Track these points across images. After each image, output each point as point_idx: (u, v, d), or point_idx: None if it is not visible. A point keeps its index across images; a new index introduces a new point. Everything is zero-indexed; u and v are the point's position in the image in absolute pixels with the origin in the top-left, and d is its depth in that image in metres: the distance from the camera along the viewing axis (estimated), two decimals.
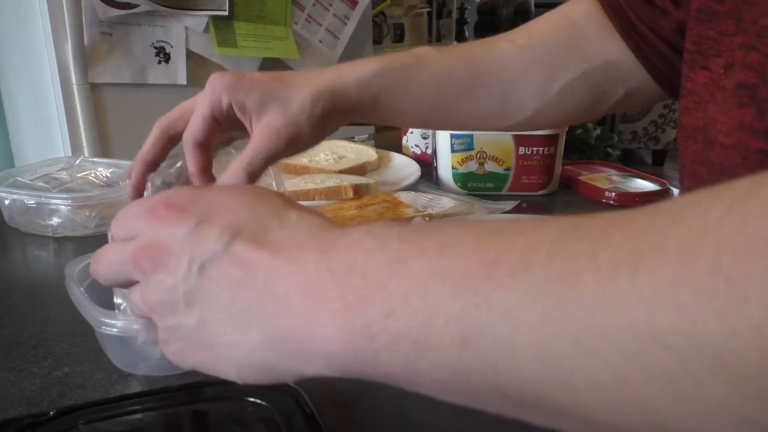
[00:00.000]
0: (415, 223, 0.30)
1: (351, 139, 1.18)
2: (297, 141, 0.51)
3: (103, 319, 0.47)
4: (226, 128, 0.52)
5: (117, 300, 0.51)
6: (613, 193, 0.94)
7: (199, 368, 0.33)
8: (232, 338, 0.30)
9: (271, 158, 0.50)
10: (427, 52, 0.59)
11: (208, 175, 0.52)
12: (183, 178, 0.54)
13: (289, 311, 0.28)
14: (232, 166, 0.49)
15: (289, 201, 0.34)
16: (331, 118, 0.53)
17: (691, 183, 0.43)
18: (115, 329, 0.47)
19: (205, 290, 0.30)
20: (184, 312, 0.31)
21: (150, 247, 0.32)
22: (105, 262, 0.35)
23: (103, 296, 0.51)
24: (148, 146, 0.54)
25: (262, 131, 0.50)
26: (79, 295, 0.50)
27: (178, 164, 0.55)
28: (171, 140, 0.54)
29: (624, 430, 0.22)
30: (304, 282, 0.28)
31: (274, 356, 0.29)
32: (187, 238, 0.31)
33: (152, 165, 0.54)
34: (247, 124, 0.52)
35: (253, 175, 0.49)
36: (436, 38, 2.89)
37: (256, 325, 0.29)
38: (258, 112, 0.51)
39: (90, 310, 0.48)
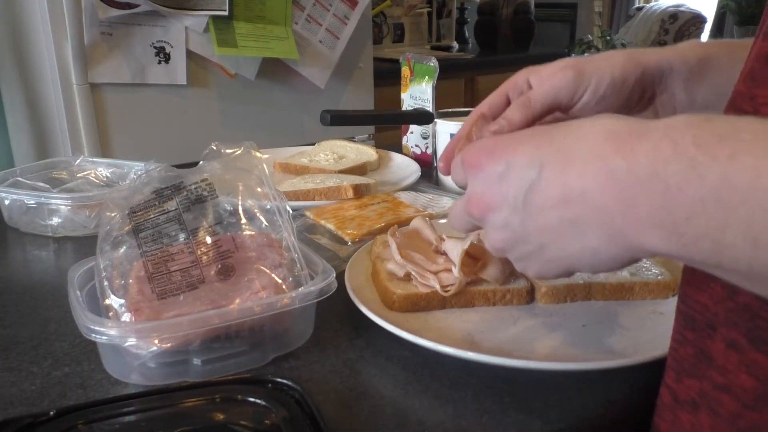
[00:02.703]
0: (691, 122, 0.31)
1: (351, 139, 1.18)
2: (587, 77, 0.47)
3: (92, 327, 0.46)
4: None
5: (108, 302, 0.50)
6: None
7: (564, 275, 0.40)
8: (573, 249, 0.36)
9: (554, 89, 0.47)
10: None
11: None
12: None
13: (611, 217, 0.33)
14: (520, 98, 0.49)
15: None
16: (638, 69, 0.47)
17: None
18: (104, 337, 0.47)
19: (534, 218, 0.36)
20: (524, 243, 0.38)
21: (474, 198, 0.40)
22: (454, 217, 0.44)
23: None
24: (467, 125, 0.51)
25: (554, 69, 0.49)
26: (74, 300, 0.50)
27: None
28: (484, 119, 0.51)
29: None
30: (615, 190, 0.32)
31: (615, 252, 0.35)
32: (503, 179, 0.37)
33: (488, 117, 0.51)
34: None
35: (533, 107, 0.47)
36: (436, 38, 2.89)
37: (589, 233, 0.35)
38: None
39: (81, 317, 0.47)
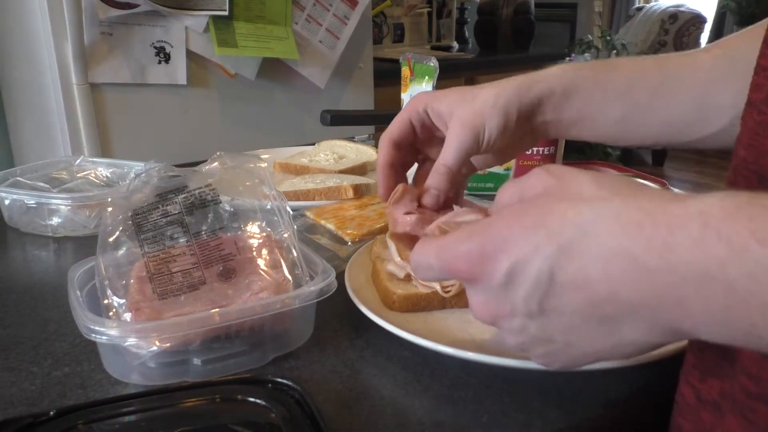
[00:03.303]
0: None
1: (351, 139, 1.18)
2: (482, 132, 0.52)
3: (92, 327, 0.46)
4: (421, 140, 0.57)
5: (108, 301, 0.50)
6: None
7: (591, 364, 0.37)
8: (606, 344, 0.34)
9: (462, 151, 0.52)
10: (619, 58, 0.58)
11: (391, 169, 0.56)
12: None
13: (652, 314, 0.31)
14: (435, 165, 0.53)
15: (564, 194, 0.34)
16: (515, 110, 0.53)
17: (748, 153, 0.40)
18: (104, 337, 0.46)
19: (554, 321, 0.34)
20: (547, 343, 0.35)
21: (478, 306, 0.37)
22: (421, 268, 0.39)
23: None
24: (381, 154, 0.57)
25: (451, 128, 0.53)
26: (74, 300, 0.50)
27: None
28: (396, 146, 0.57)
29: None
30: (654, 288, 0.30)
31: (658, 340, 0.33)
32: (507, 288, 0.34)
33: (393, 166, 0.56)
34: (443, 130, 0.55)
35: (452, 170, 0.52)
36: (436, 38, 2.89)
37: (625, 329, 0.32)
38: (449, 114, 0.54)
39: (81, 317, 0.47)
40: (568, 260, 0.31)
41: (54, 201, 0.80)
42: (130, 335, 0.48)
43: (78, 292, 0.52)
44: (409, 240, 0.63)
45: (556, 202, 0.33)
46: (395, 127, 0.56)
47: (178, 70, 1.47)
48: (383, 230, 0.74)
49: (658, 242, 0.29)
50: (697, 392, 0.42)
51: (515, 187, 0.38)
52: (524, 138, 0.56)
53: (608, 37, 3.64)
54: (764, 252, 0.26)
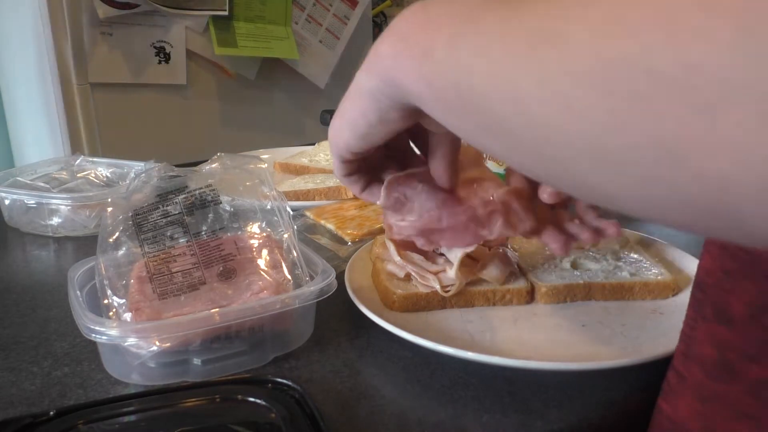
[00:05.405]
0: None
1: None
2: None
3: (92, 327, 0.46)
4: None
5: (108, 301, 0.50)
6: None
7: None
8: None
9: None
10: None
11: None
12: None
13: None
14: None
15: None
16: None
17: None
18: (104, 337, 0.46)
19: None
20: None
21: None
22: None
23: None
24: None
25: None
26: (74, 300, 0.50)
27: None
28: None
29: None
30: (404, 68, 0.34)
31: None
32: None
33: None
34: None
35: None
36: None
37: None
38: None
39: (81, 317, 0.47)
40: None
41: (54, 201, 0.80)
42: (130, 335, 0.48)
43: (78, 292, 0.52)
44: (404, 245, 0.63)
45: None
46: None
47: (178, 70, 1.47)
48: (383, 230, 0.74)
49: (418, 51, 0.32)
50: (683, 378, 0.43)
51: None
52: None
53: None
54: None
